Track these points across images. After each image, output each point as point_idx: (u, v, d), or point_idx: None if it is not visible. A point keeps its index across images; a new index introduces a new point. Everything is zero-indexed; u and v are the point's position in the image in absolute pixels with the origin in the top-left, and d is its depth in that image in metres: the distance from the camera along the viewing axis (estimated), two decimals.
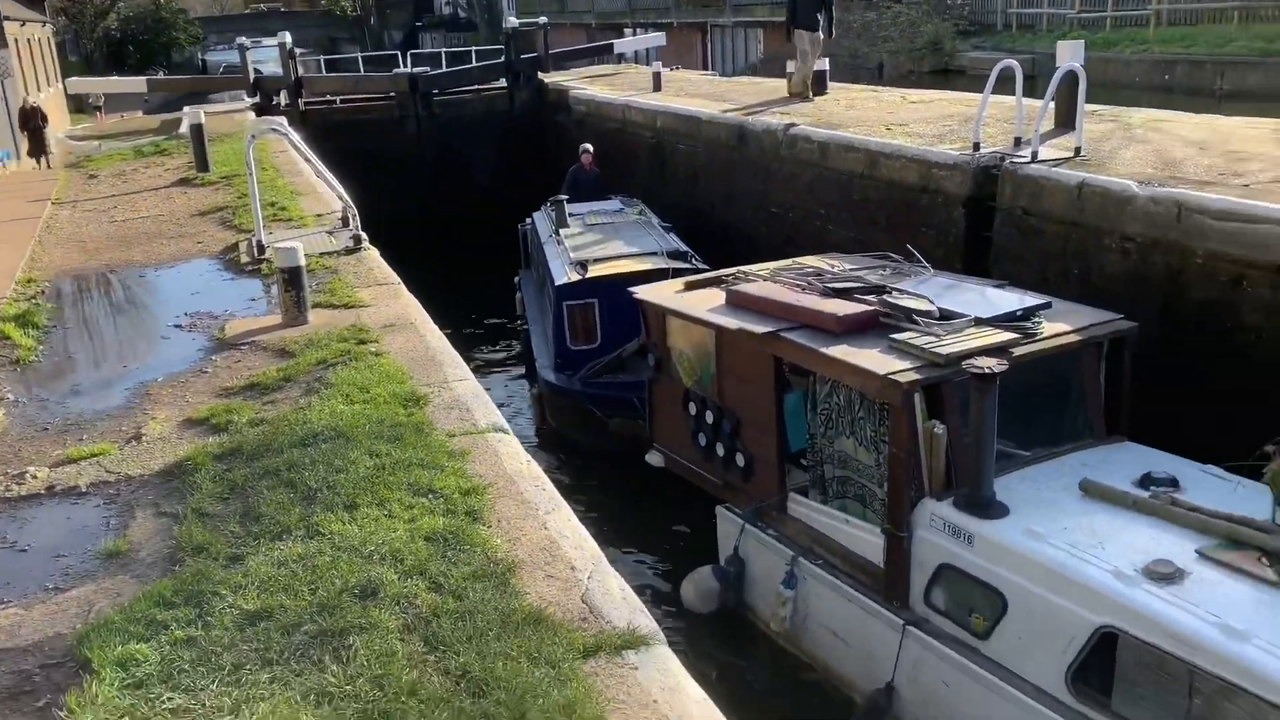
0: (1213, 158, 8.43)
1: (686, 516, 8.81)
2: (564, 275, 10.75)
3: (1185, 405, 7.22)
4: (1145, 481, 6.08)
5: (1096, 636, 5.34)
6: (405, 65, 22.02)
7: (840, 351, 6.75)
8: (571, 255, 11.12)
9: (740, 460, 7.87)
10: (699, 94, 16.46)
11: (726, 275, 8.61)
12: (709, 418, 8.13)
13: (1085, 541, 5.66)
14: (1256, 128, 9.62)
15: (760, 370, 7.48)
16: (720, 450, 8.06)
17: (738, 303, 7.84)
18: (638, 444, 9.26)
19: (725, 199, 13.31)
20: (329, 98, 20.74)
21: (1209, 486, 6.04)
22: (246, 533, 4.64)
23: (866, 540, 6.76)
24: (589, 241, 11.66)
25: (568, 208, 12.53)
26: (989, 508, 6.06)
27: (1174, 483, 6.03)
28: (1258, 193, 7.23)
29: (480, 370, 13.79)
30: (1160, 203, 7.46)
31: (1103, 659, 5.35)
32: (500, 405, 12.42)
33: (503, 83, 20.73)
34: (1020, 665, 5.74)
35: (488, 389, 13.12)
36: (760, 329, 7.27)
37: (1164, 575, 5.26)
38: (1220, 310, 7.09)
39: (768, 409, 7.51)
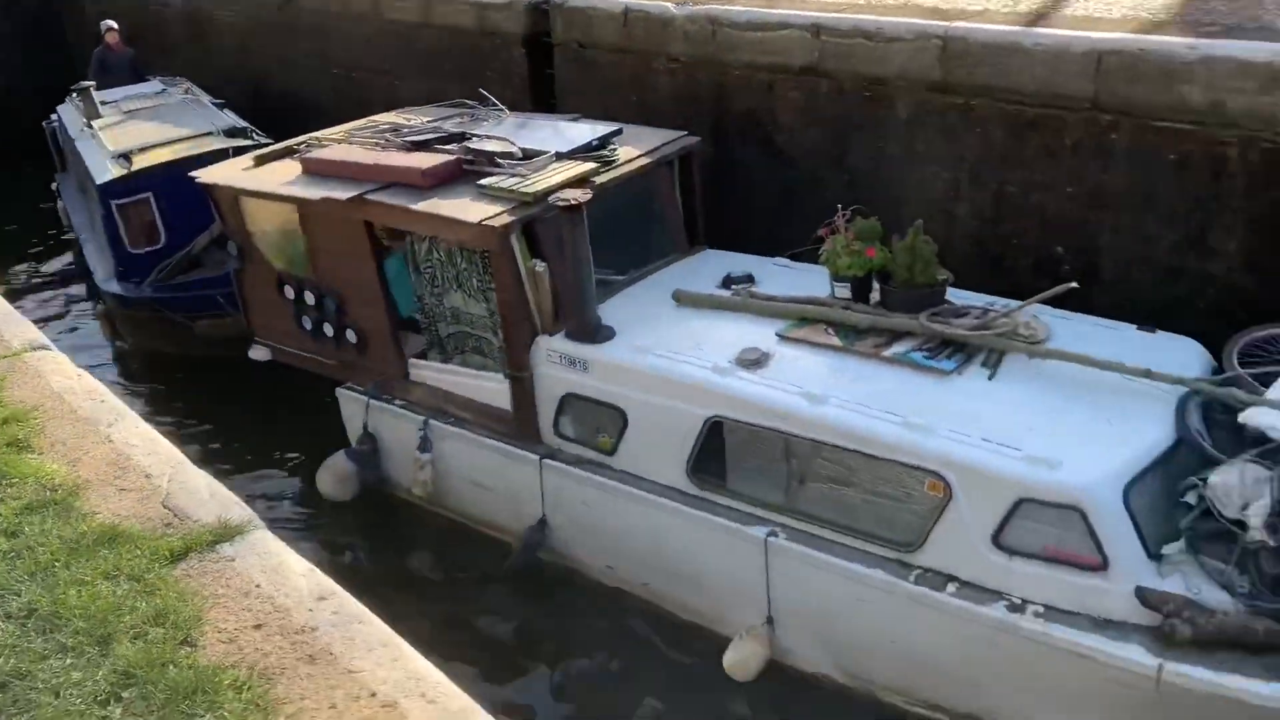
0: None
1: (307, 407, 8.31)
2: (106, 172, 9.39)
3: (748, 207, 7.83)
4: (727, 282, 6.58)
5: (706, 427, 5.77)
6: None
7: (431, 205, 6.53)
8: (111, 148, 9.72)
9: (351, 336, 7.50)
10: None
11: (298, 144, 7.97)
12: (309, 299, 7.61)
13: (684, 345, 6.04)
14: None
15: (353, 239, 7.07)
16: (329, 330, 7.61)
17: (316, 170, 7.29)
18: (235, 343, 8.51)
19: (281, 66, 12.22)
20: None
21: (779, 276, 6.65)
22: None
23: (492, 388, 6.77)
24: (130, 130, 10.23)
25: (97, 95, 10.91)
26: (597, 333, 6.26)
27: (750, 279, 6.57)
28: (779, 1, 7.78)
29: (28, 293, 12.01)
30: (695, 21, 7.81)
31: (715, 447, 5.81)
32: (61, 325, 10.93)
33: None
34: (647, 469, 6.10)
35: (45, 314, 11.43)
36: (345, 195, 6.83)
37: (753, 361, 5.77)
38: (760, 116, 7.65)
39: (369, 278, 7.16)
